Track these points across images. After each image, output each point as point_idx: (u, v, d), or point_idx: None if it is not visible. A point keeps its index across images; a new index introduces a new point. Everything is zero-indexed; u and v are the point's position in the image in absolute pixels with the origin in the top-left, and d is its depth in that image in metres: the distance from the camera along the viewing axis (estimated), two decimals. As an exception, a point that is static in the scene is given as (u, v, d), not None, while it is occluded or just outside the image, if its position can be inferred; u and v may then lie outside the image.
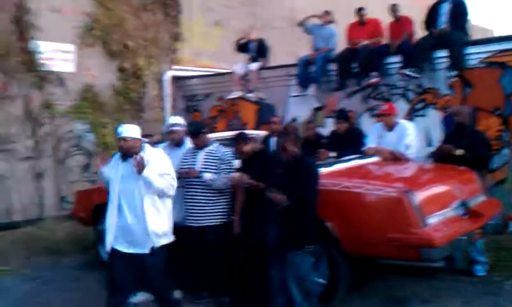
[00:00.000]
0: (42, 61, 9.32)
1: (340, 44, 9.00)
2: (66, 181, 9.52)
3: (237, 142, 5.43)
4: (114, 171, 4.43)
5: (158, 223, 4.31)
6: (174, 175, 4.49)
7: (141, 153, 4.28)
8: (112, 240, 4.35)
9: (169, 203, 4.49)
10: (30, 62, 9.21)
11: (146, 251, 4.27)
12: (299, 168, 4.47)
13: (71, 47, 9.75)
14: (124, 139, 4.29)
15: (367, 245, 4.64)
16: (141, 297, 5.44)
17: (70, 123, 9.65)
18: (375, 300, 5.25)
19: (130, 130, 4.33)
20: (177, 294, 5.51)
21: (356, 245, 4.70)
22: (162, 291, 4.43)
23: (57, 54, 9.57)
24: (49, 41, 9.37)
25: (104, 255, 6.44)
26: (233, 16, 12.34)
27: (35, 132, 9.25)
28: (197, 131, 5.43)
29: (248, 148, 5.27)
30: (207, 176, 5.19)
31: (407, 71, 7.79)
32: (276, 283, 4.64)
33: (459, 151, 5.71)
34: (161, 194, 4.33)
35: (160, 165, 4.36)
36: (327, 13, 9.21)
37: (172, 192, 4.42)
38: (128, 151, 4.30)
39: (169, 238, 4.45)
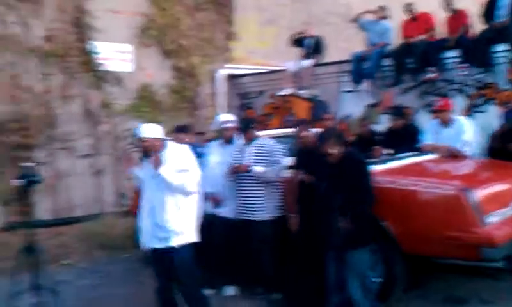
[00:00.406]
0: (100, 61, 9.55)
1: (395, 40, 8.85)
2: (124, 178, 9.77)
3: (298, 129, 5.44)
4: (145, 171, 4.43)
5: (178, 221, 4.29)
6: (196, 172, 4.39)
7: (160, 152, 4.27)
8: (146, 239, 4.41)
9: (193, 201, 4.41)
10: (89, 63, 9.46)
11: (172, 245, 4.29)
12: (347, 167, 4.45)
13: (129, 47, 10.00)
14: (143, 139, 4.28)
15: (424, 243, 4.56)
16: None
17: (128, 122, 9.90)
18: (434, 299, 5.16)
19: (149, 130, 4.30)
20: (231, 290, 5.61)
21: (414, 243, 4.63)
22: (187, 287, 4.40)
23: (115, 54, 9.82)
24: (107, 42, 9.62)
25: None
26: (285, 14, 12.34)
27: (94, 130, 9.53)
28: (246, 126, 5.56)
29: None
30: (257, 169, 5.24)
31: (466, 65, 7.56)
32: (333, 282, 4.63)
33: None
34: (182, 192, 4.28)
35: (180, 162, 4.30)
36: (381, 8, 9.08)
37: (193, 189, 4.32)
38: (148, 151, 4.29)
39: (191, 238, 4.37)
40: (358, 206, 4.32)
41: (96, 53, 9.51)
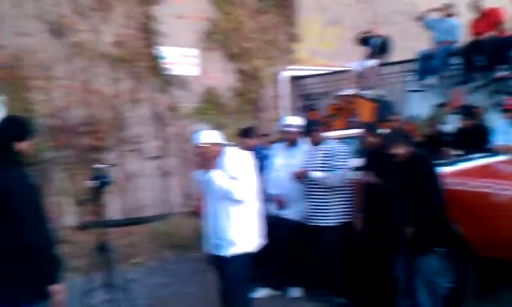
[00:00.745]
0: (167, 66, 9.77)
1: (463, 38, 8.59)
2: (191, 179, 9.94)
3: (364, 133, 5.39)
4: (203, 176, 4.33)
5: (229, 230, 4.19)
6: (248, 181, 4.22)
7: (217, 157, 4.21)
8: (206, 243, 4.42)
9: (246, 210, 4.25)
10: (156, 67, 9.70)
11: (223, 255, 4.23)
12: (414, 168, 4.36)
13: (195, 52, 10.18)
14: (200, 145, 4.21)
15: (498, 247, 4.40)
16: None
17: (194, 124, 10.08)
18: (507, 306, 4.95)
19: (206, 136, 4.24)
20: (296, 292, 5.61)
21: (487, 247, 4.49)
22: (233, 298, 4.29)
23: (181, 59, 10.02)
24: (173, 46, 9.83)
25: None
26: (349, 14, 12.22)
27: (162, 132, 9.76)
28: (308, 128, 5.53)
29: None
30: (316, 174, 5.19)
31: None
32: (402, 286, 4.55)
33: None
34: (229, 199, 4.15)
35: (234, 169, 4.17)
36: (447, 5, 8.83)
37: (241, 197, 4.15)
38: (205, 157, 4.22)
39: (244, 248, 4.22)
40: (425, 209, 4.23)
41: (163, 58, 9.72)
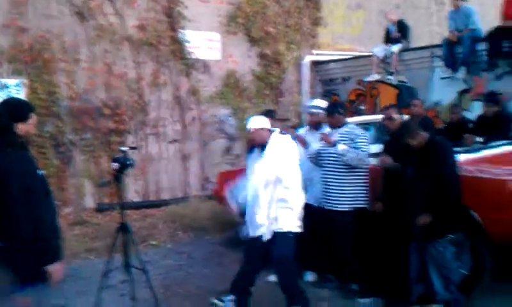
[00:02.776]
0: (190, 50, 9.78)
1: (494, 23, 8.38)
2: (210, 163, 10.01)
3: (384, 115, 5.34)
4: (251, 160, 4.64)
5: (273, 211, 4.36)
6: (293, 165, 4.44)
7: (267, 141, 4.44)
8: (247, 225, 4.55)
9: (292, 193, 4.40)
10: (179, 51, 9.72)
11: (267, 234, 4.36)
12: (432, 154, 4.32)
13: (217, 36, 10.18)
14: (250, 130, 4.49)
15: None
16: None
17: (214, 108, 10.11)
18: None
19: (255, 122, 4.53)
20: (310, 276, 5.60)
21: (506, 234, 4.43)
22: (282, 277, 4.43)
23: (204, 42, 10.03)
24: (196, 30, 9.84)
25: (241, 234, 6.74)
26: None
27: (183, 116, 9.82)
28: (331, 110, 5.44)
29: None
30: (341, 146, 5.10)
31: None
32: (416, 272, 4.53)
33: None
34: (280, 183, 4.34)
35: (282, 153, 4.41)
36: None
37: (287, 182, 4.37)
38: (255, 142, 4.46)
39: (289, 227, 4.36)
40: (441, 196, 4.18)
41: (186, 41, 9.74)
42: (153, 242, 7.35)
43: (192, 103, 9.90)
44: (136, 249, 4.86)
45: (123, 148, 4.88)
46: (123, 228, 4.74)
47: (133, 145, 8.17)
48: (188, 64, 9.85)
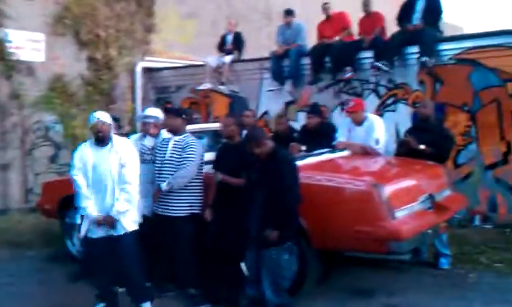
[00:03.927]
0: (11, 50, 9.14)
1: (311, 40, 9.01)
2: (33, 172, 9.37)
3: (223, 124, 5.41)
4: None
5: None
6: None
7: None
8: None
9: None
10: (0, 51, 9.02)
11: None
12: (272, 164, 4.48)
13: (41, 36, 9.58)
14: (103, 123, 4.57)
15: (334, 238, 4.65)
16: None
17: (38, 114, 9.49)
18: (341, 292, 5.21)
19: (104, 115, 4.68)
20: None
21: (324, 238, 4.69)
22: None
23: (27, 43, 9.41)
24: (19, 30, 9.19)
25: (71, 248, 6.36)
26: (206, 8, 12.26)
27: (2, 122, 9.10)
28: (177, 114, 5.38)
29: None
30: (164, 187, 5.08)
31: (378, 64, 7.81)
32: (250, 276, 4.64)
33: (422, 147, 5.77)
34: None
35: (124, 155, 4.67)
36: (288, 11, 9.18)
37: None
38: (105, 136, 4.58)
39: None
40: (279, 205, 4.32)
41: (7, 41, 9.11)
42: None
43: (14, 108, 9.18)
44: None
45: None
46: None
47: None
48: (10, 66, 9.13)
